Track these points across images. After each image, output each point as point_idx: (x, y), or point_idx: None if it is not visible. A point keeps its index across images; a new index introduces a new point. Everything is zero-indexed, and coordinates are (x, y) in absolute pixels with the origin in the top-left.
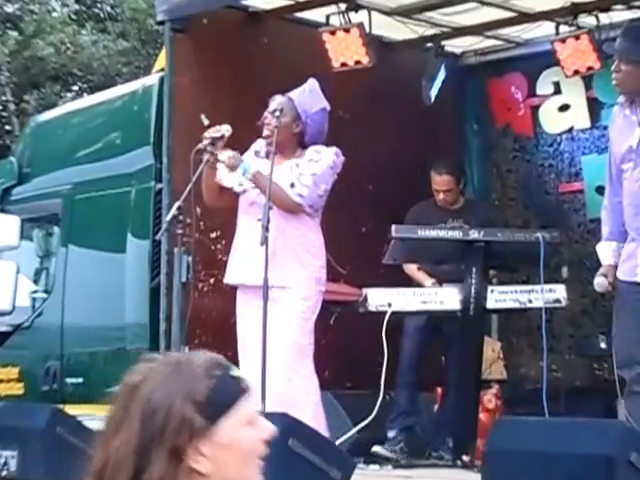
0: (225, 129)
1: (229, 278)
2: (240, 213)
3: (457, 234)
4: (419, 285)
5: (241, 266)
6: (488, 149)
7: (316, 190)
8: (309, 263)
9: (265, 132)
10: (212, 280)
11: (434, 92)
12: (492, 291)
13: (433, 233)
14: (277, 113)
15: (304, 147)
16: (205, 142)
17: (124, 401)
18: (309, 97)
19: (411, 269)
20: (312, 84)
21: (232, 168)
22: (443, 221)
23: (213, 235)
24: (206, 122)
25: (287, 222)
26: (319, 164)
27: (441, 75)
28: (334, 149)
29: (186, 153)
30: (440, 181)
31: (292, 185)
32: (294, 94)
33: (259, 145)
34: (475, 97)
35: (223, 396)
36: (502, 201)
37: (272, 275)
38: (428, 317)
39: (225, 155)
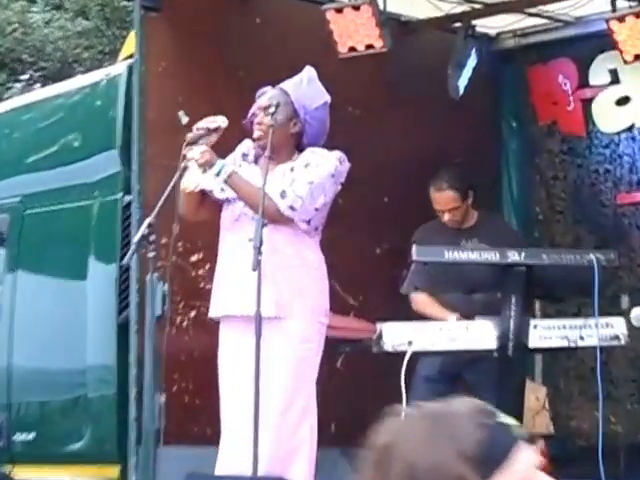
0: (221, 120)
1: (214, 311)
2: (223, 231)
3: (493, 256)
4: None
5: (226, 295)
6: (530, 152)
7: (312, 202)
8: (307, 287)
9: (257, 133)
10: (193, 313)
11: (463, 83)
12: (535, 326)
13: (463, 256)
14: (272, 109)
15: (301, 150)
16: (196, 134)
17: (379, 468)
18: (308, 89)
19: (424, 302)
20: (310, 73)
21: (205, 166)
22: (454, 243)
23: (194, 258)
24: (185, 120)
25: (280, 237)
26: (318, 170)
27: (472, 62)
28: (337, 153)
29: (160, 158)
30: (441, 199)
31: (283, 194)
32: (289, 86)
33: (246, 147)
34: (513, 89)
35: (497, 448)
36: (547, 215)
37: (264, 304)
38: (442, 363)
39: (197, 151)
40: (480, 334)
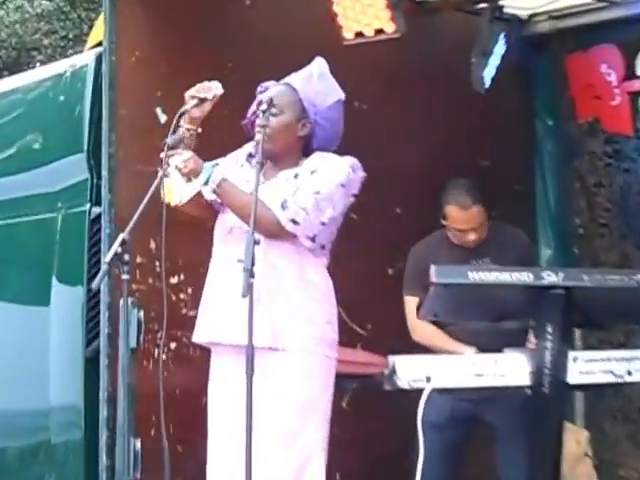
0: (216, 87)
1: (199, 335)
2: (216, 242)
3: (526, 277)
4: None
5: (216, 318)
6: (568, 154)
7: (318, 216)
8: (310, 314)
9: (258, 135)
10: (174, 345)
11: (489, 73)
12: (575, 359)
13: (491, 277)
14: (263, 106)
15: (308, 155)
16: (191, 104)
17: None
18: (319, 84)
19: (434, 335)
20: (321, 66)
21: (190, 175)
22: (463, 264)
23: (174, 280)
24: (163, 119)
25: (278, 253)
26: (326, 178)
27: (499, 49)
28: (350, 160)
29: (134, 163)
30: (469, 218)
31: (284, 204)
32: (296, 81)
33: (252, 147)
34: (549, 80)
35: None
36: (589, 229)
37: (257, 332)
38: (455, 405)
39: (180, 158)
40: (511, 368)
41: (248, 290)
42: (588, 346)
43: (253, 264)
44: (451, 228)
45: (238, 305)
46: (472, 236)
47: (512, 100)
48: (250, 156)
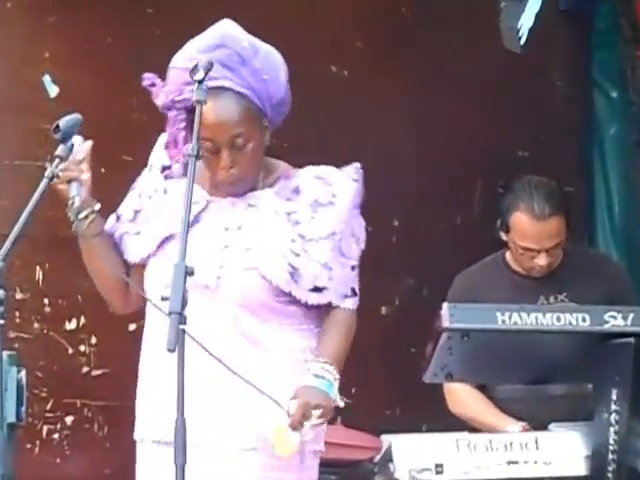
0: (87, 146)
1: (143, 431)
2: (152, 298)
3: (580, 321)
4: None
5: (156, 408)
6: None
7: (345, 262)
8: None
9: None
10: (70, 419)
11: (527, 25)
12: None
13: (530, 320)
14: (199, 75)
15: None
16: (59, 167)
17: None
18: (263, 68)
19: (470, 401)
20: (239, 36)
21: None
22: (529, 301)
23: (70, 326)
24: (54, 91)
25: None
26: (337, 209)
27: None
28: (353, 170)
29: (10, 157)
30: (543, 232)
31: (294, 275)
32: (233, 78)
33: (162, 153)
34: (613, 34)
35: None
36: None
37: (241, 428)
38: None
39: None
40: (558, 452)
41: (176, 342)
42: None
43: (184, 305)
44: (516, 246)
45: (203, 390)
46: (543, 260)
47: (559, 63)
48: (164, 168)
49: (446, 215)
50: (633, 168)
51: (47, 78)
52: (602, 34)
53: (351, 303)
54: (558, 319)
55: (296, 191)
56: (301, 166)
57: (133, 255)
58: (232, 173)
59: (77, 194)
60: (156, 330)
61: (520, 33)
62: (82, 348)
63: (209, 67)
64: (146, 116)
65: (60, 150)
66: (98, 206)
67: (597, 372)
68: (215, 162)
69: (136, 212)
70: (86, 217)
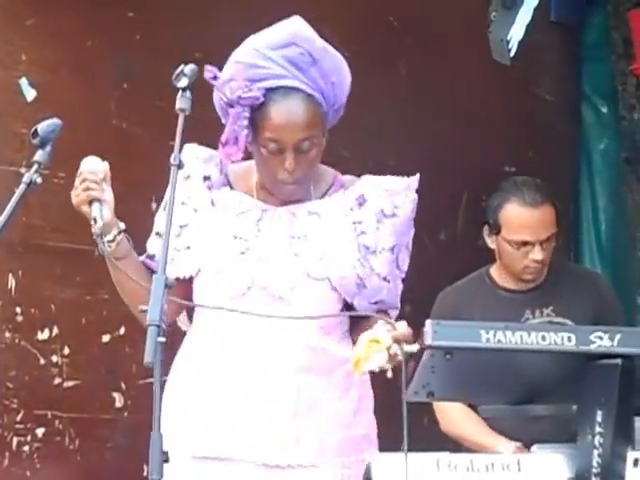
0: (106, 166)
1: (202, 449)
2: (210, 313)
3: (565, 340)
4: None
5: (222, 424)
6: (631, 156)
7: (398, 275)
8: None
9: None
10: (41, 431)
11: (517, 37)
12: (637, 462)
13: (514, 339)
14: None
15: None
16: (86, 186)
17: None
18: (327, 71)
19: (461, 420)
20: (309, 35)
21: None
22: (513, 316)
23: (42, 336)
24: (31, 95)
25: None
26: (399, 222)
27: (531, 1)
28: (415, 181)
29: None
30: (538, 220)
31: (360, 285)
32: (303, 80)
33: (209, 163)
34: (604, 47)
35: None
36: None
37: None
38: None
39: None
40: (541, 474)
41: (154, 355)
42: None
43: (162, 316)
44: (509, 244)
45: (271, 411)
46: (538, 254)
47: (549, 76)
48: (206, 178)
49: (430, 231)
50: (622, 185)
51: (24, 81)
52: (593, 47)
53: (394, 314)
54: (543, 338)
55: (361, 201)
56: None
57: (183, 270)
58: (294, 175)
59: (99, 215)
60: (208, 341)
61: (510, 45)
62: (54, 359)
63: (194, 75)
64: (126, 123)
65: (38, 156)
66: (122, 225)
67: (582, 393)
68: (276, 163)
69: (182, 227)
70: (112, 239)
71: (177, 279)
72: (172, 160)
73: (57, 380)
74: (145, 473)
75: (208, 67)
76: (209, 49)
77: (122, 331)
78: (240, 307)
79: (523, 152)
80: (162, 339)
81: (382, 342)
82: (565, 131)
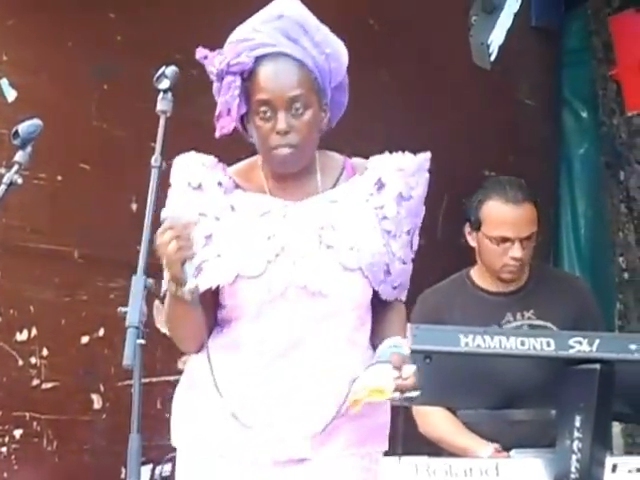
0: (193, 220)
1: (207, 445)
2: (245, 316)
3: (545, 345)
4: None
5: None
6: (611, 162)
7: (410, 255)
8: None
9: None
10: (19, 433)
11: (497, 42)
12: (615, 467)
13: (493, 344)
14: (164, 84)
15: None
16: (180, 245)
17: None
18: (321, 42)
19: (443, 424)
20: (305, 11)
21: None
22: (493, 318)
23: (21, 337)
24: (11, 96)
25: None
26: (413, 203)
27: (511, 5)
28: (426, 158)
29: None
30: (520, 218)
31: (386, 272)
32: (294, 48)
33: (216, 168)
34: (584, 52)
35: None
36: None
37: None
38: None
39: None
40: (519, 479)
41: (134, 358)
42: (634, 449)
43: (142, 318)
44: (489, 241)
45: (302, 406)
46: (518, 252)
47: (529, 81)
48: (219, 184)
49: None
50: (602, 190)
51: (4, 81)
52: (573, 52)
53: (404, 295)
54: (522, 343)
55: (379, 185)
56: None
57: (218, 278)
58: (288, 138)
59: (192, 274)
60: (250, 342)
61: (490, 49)
62: (33, 360)
63: (175, 76)
64: (106, 124)
65: (19, 156)
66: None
67: (561, 398)
68: (270, 129)
69: (207, 238)
70: (193, 287)
71: (208, 289)
72: (153, 162)
73: (35, 381)
74: (123, 475)
75: (200, 49)
76: (190, 51)
77: (101, 333)
78: (280, 307)
79: (503, 156)
80: (142, 341)
81: (385, 393)
82: (545, 136)
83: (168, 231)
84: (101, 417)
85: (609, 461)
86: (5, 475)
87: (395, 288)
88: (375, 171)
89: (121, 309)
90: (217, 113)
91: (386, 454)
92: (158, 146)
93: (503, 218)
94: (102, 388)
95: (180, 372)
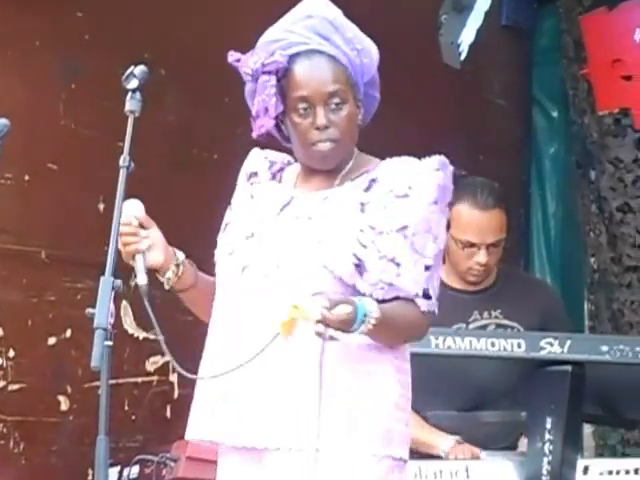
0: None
1: (195, 431)
2: (218, 293)
3: (515, 346)
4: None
5: (219, 409)
6: (581, 162)
7: (417, 260)
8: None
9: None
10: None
11: (467, 41)
12: (587, 469)
13: (464, 344)
14: (132, 83)
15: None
16: (124, 241)
17: None
18: (351, 39)
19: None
20: (333, 8)
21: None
22: (462, 316)
23: None
24: None
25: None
26: (412, 202)
27: (482, 3)
28: (437, 160)
29: None
30: (487, 224)
31: (360, 266)
32: (325, 45)
33: (259, 160)
34: (555, 51)
35: None
36: (610, 274)
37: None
38: None
39: (335, 316)
40: None
41: (101, 359)
42: (604, 451)
43: (109, 319)
44: (455, 243)
45: (263, 392)
46: (483, 257)
47: (499, 80)
48: (252, 175)
49: None
50: (572, 190)
51: None
52: (544, 52)
53: (422, 303)
54: (493, 344)
55: (373, 182)
56: None
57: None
58: (328, 133)
59: (142, 269)
60: (219, 324)
61: (460, 48)
62: (7, 359)
63: (144, 76)
64: (74, 124)
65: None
66: (181, 256)
67: (532, 400)
68: (308, 126)
69: (226, 225)
70: (171, 276)
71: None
72: (121, 162)
73: (2, 383)
74: (90, 477)
75: (231, 52)
76: (159, 50)
77: (68, 334)
78: (238, 285)
79: (473, 156)
80: (109, 343)
81: (305, 314)
82: (516, 135)
83: (121, 227)
84: (68, 419)
85: (580, 463)
86: None
87: (382, 288)
88: (376, 170)
89: (89, 310)
90: (254, 113)
91: None
92: (126, 146)
93: (470, 223)
94: (69, 389)
95: (148, 373)
